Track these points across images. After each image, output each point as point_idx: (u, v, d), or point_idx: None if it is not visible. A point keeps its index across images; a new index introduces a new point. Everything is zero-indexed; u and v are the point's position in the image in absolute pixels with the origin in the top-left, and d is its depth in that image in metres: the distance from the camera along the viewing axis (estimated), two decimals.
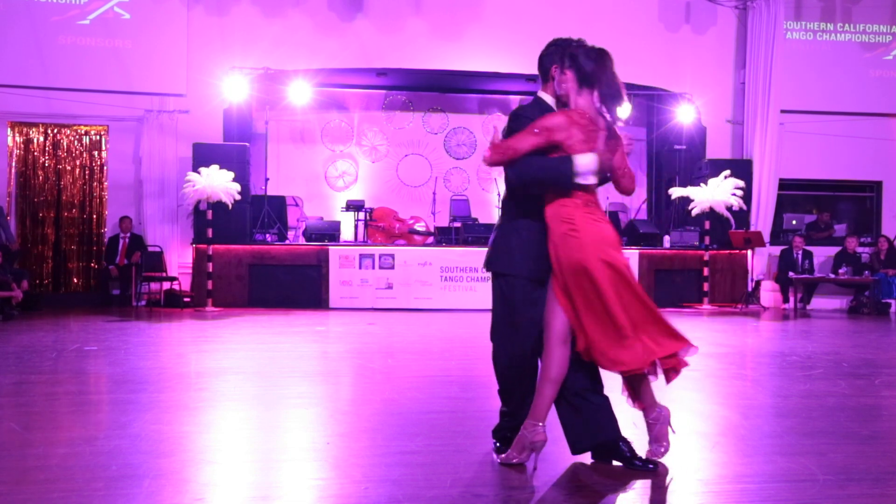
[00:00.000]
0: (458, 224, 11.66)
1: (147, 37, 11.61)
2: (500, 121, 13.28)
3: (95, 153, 11.92)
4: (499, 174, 13.41)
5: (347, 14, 12.16)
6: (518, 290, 3.11)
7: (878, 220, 13.39)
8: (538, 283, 3.10)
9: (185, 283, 11.19)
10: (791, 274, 11.82)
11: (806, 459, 3.18)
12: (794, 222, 12.79)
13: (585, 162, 2.99)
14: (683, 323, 9.03)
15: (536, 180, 3.06)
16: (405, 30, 12.28)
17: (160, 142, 11.62)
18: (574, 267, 2.95)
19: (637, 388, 3.08)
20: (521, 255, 3.11)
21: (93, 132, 11.87)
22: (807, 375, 5.41)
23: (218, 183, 10.30)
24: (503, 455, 3.11)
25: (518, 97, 13.31)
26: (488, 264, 3.25)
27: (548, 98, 3.21)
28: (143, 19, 11.61)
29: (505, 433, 3.21)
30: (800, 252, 12.00)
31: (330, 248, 10.92)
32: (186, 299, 10.81)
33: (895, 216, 13.18)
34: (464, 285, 10.88)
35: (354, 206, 11.95)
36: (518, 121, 3.15)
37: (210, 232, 10.52)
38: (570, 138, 3.00)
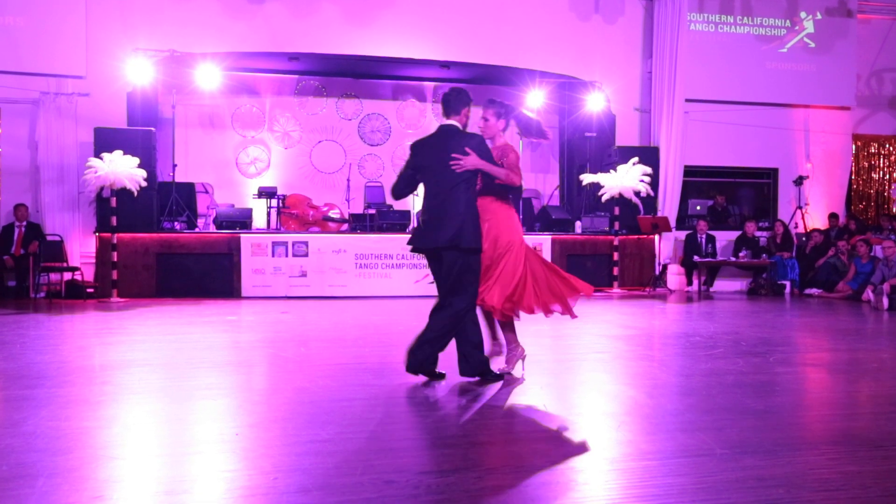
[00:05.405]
0: (372, 211, 11.57)
1: (41, 14, 11.03)
2: (414, 107, 13.29)
3: None
4: None
5: None
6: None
7: (774, 206, 14.08)
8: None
9: (88, 274, 10.76)
10: (695, 257, 12.30)
11: (705, 435, 3.32)
12: (698, 208, 13.31)
13: None
14: (595, 307, 9.29)
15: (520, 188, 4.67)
16: (317, 14, 12.08)
17: (58, 126, 11.09)
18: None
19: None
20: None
21: None
22: (709, 355, 5.64)
23: (122, 169, 9.93)
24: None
25: (432, 83, 13.31)
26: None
27: (459, 126, 4.50)
28: None
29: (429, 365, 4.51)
30: (703, 236, 12.50)
31: (242, 235, 10.68)
32: (90, 290, 10.39)
33: (790, 202, 13.88)
34: (378, 272, 10.84)
35: (267, 193, 11.71)
36: (484, 146, 4.46)
37: (114, 220, 10.13)
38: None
